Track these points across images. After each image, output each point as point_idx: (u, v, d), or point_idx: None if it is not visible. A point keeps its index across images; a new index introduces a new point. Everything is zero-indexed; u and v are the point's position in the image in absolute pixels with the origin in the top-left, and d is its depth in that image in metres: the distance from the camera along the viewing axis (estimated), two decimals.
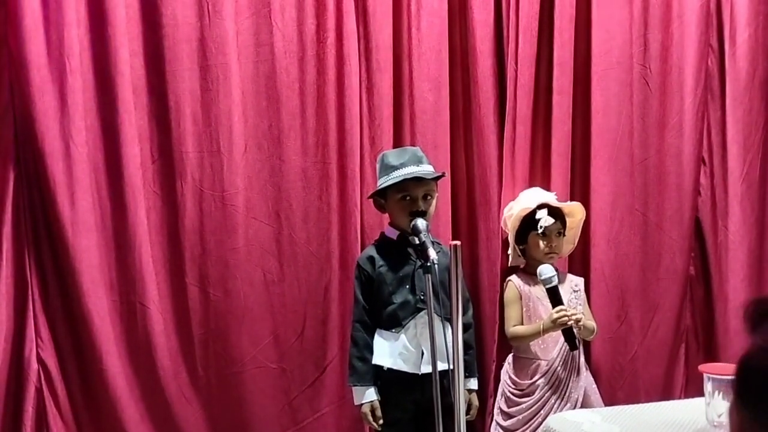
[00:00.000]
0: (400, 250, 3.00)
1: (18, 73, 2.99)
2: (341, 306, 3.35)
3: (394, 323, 2.96)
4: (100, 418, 3.21)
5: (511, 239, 3.33)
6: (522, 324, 3.28)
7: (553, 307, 3.10)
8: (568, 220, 3.38)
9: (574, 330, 3.11)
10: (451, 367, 2.20)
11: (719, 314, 3.74)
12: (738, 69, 3.67)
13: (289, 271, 3.34)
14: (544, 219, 3.24)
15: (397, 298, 2.96)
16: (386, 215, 3.09)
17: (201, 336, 3.28)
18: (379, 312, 2.99)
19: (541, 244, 3.28)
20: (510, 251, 3.38)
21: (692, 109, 3.66)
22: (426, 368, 2.90)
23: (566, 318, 3.06)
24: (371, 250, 3.05)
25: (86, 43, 3.07)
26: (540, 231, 3.25)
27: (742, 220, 3.70)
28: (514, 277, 3.37)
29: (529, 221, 3.28)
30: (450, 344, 2.26)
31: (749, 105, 3.68)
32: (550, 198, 3.36)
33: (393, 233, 3.02)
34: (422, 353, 2.95)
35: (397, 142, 3.37)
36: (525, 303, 3.30)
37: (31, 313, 3.12)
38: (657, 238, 3.69)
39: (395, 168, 2.93)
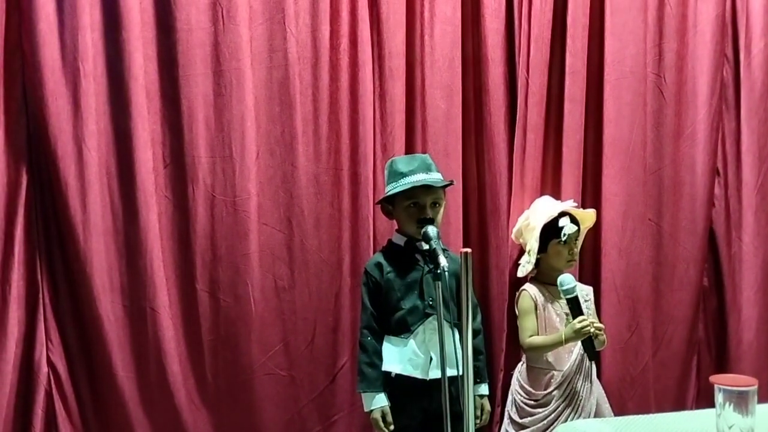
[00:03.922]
0: (407, 256, 2.99)
1: (32, 77, 3.00)
2: (352, 313, 3.33)
3: (403, 329, 2.95)
4: (109, 423, 3.21)
5: (533, 249, 3.27)
6: (537, 334, 3.24)
7: (574, 317, 3.06)
8: (581, 226, 3.37)
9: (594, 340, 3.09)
10: (461, 372, 2.18)
11: (732, 326, 3.73)
12: (753, 79, 3.68)
13: (300, 277, 3.32)
14: (568, 227, 3.23)
15: (406, 304, 2.95)
16: (395, 221, 3.08)
17: (210, 342, 3.27)
18: (388, 318, 2.98)
19: (564, 252, 3.27)
20: (526, 261, 3.31)
21: (707, 119, 3.66)
22: (434, 374, 2.89)
23: (590, 328, 3.04)
24: (379, 257, 3.05)
25: (100, 47, 3.08)
26: (563, 239, 3.24)
27: (756, 231, 3.69)
28: (528, 286, 3.32)
29: (548, 230, 3.27)
30: (459, 350, 2.24)
31: (764, 115, 3.69)
32: (570, 206, 3.36)
33: (401, 239, 3.02)
34: (431, 359, 2.93)
35: (409, 149, 3.36)
36: (539, 312, 3.26)
37: (41, 317, 3.12)
38: (671, 248, 3.68)
39: (404, 175, 2.93)
